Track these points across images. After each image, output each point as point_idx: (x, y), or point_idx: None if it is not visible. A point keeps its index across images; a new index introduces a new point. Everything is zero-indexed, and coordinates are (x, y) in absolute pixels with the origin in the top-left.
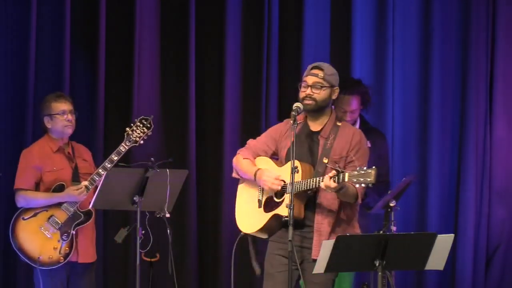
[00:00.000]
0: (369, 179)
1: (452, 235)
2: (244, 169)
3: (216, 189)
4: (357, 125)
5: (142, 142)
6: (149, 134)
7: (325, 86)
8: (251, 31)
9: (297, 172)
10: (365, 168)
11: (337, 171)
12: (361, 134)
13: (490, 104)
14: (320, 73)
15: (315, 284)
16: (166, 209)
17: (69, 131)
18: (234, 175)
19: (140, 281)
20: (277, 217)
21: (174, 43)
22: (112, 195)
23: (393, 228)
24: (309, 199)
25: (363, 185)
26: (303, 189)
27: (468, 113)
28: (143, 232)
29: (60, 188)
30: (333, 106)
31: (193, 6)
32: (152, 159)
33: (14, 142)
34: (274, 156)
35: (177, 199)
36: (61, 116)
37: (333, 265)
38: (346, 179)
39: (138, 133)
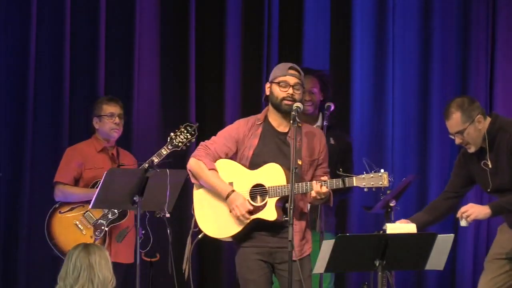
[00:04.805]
0: (381, 183)
1: (452, 235)
2: (211, 183)
3: None
4: (319, 120)
5: (184, 148)
6: (192, 141)
7: (302, 87)
8: (251, 31)
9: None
10: (376, 171)
11: (342, 175)
12: (324, 134)
13: (490, 104)
14: (298, 74)
15: (298, 282)
16: (166, 209)
17: (115, 134)
18: (193, 180)
19: (140, 281)
20: (256, 221)
21: (174, 43)
22: (112, 195)
23: None
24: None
25: (373, 189)
26: (298, 192)
27: None
28: (143, 232)
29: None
30: None
31: (193, 6)
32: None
33: (14, 142)
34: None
35: (177, 199)
36: (109, 118)
37: (333, 265)
38: (355, 184)
39: (181, 139)
